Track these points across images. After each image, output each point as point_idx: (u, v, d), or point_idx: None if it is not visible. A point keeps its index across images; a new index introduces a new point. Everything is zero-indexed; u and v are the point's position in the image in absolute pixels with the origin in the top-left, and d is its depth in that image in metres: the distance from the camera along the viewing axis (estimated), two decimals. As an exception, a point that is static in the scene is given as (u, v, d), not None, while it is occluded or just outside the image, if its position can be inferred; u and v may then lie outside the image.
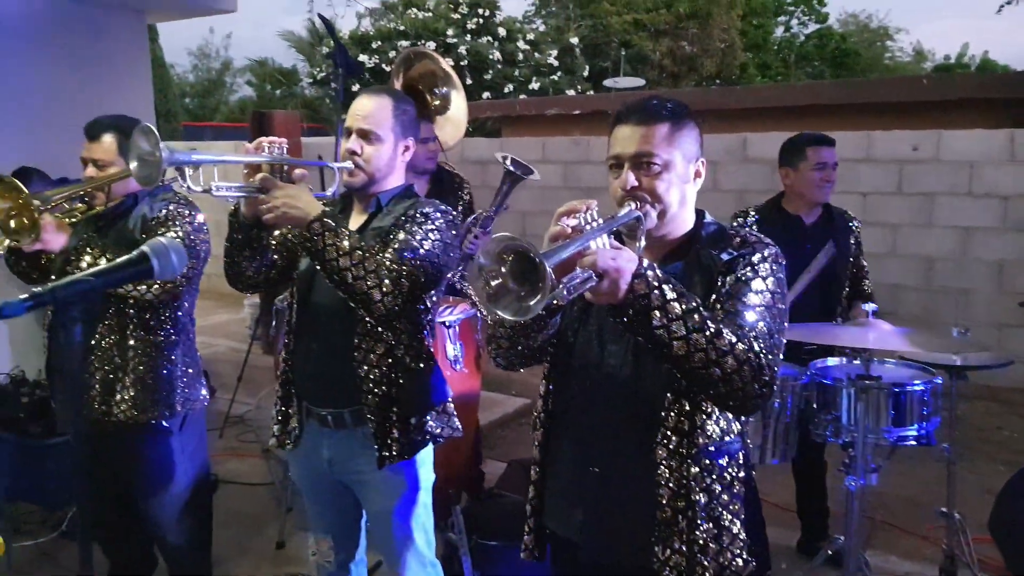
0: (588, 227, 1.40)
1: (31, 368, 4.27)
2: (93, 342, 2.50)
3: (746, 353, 1.43)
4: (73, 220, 2.46)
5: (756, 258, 1.55)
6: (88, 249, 2.38)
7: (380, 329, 2.03)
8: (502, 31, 16.71)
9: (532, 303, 1.25)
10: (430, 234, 2.01)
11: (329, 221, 1.88)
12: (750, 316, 1.50)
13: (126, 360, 2.51)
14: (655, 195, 1.56)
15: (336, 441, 2.13)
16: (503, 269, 1.30)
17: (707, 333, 1.40)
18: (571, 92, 16.49)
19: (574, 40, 18.03)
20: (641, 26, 19.83)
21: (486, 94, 15.29)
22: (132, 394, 2.51)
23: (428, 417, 2.13)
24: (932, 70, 27.20)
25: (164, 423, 2.57)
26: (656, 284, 1.37)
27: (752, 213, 3.24)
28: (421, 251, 1.97)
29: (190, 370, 2.66)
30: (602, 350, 1.63)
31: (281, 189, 1.89)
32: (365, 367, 2.04)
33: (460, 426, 2.25)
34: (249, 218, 2.03)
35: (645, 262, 1.39)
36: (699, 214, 1.67)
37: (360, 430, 2.09)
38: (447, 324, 3.11)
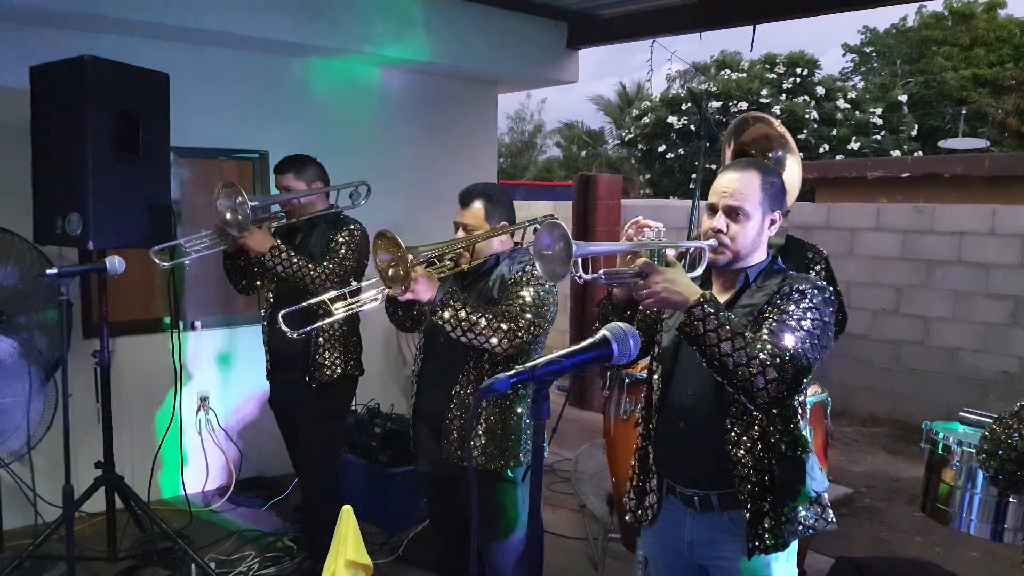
0: None
1: (386, 402, 4.75)
2: (453, 391, 2.68)
3: None
4: (442, 275, 2.66)
5: None
6: (452, 303, 2.53)
7: (754, 412, 1.92)
8: (820, 90, 15.95)
9: None
10: (807, 313, 1.87)
11: (709, 307, 1.80)
12: None
13: (480, 410, 2.65)
14: None
15: (699, 523, 2.03)
16: None
17: None
18: (896, 153, 15.16)
19: (902, 97, 16.63)
20: (982, 82, 17.71)
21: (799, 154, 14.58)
22: (484, 442, 2.66)
23: (801, 507, 1.97)
24: None
25: (509, 472, 2.68)
26: None
27: None
28: (801, 332, 1.84)
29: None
30: None
31: (661, 274, 1.86)
32: (740, 452, 1.93)
33: (835, 519, 2.05)
34: (622, 300, 2.06)
35: None
36: None
37: (727, 514, 1.97)
38: (796, 405, 2.89)
